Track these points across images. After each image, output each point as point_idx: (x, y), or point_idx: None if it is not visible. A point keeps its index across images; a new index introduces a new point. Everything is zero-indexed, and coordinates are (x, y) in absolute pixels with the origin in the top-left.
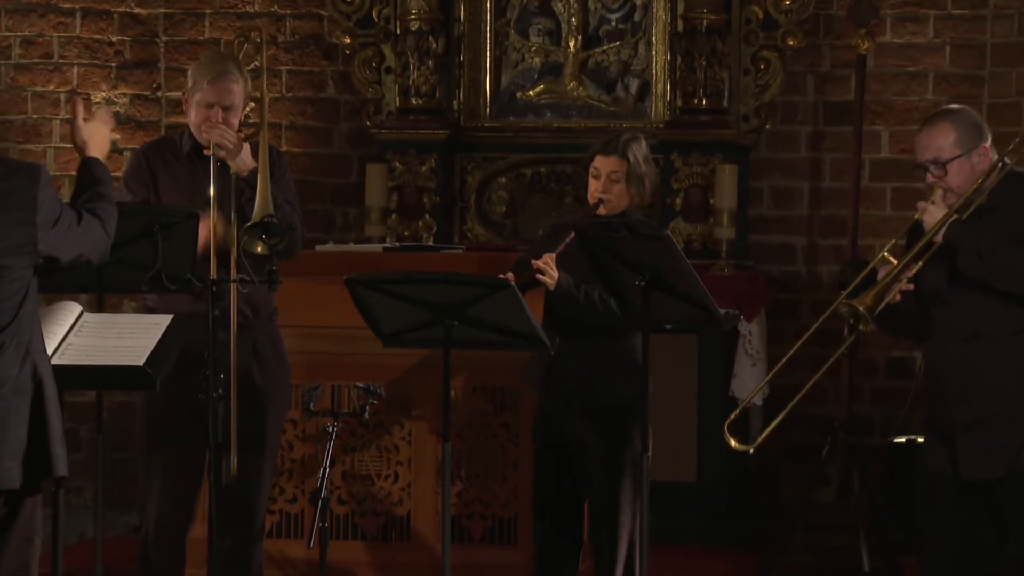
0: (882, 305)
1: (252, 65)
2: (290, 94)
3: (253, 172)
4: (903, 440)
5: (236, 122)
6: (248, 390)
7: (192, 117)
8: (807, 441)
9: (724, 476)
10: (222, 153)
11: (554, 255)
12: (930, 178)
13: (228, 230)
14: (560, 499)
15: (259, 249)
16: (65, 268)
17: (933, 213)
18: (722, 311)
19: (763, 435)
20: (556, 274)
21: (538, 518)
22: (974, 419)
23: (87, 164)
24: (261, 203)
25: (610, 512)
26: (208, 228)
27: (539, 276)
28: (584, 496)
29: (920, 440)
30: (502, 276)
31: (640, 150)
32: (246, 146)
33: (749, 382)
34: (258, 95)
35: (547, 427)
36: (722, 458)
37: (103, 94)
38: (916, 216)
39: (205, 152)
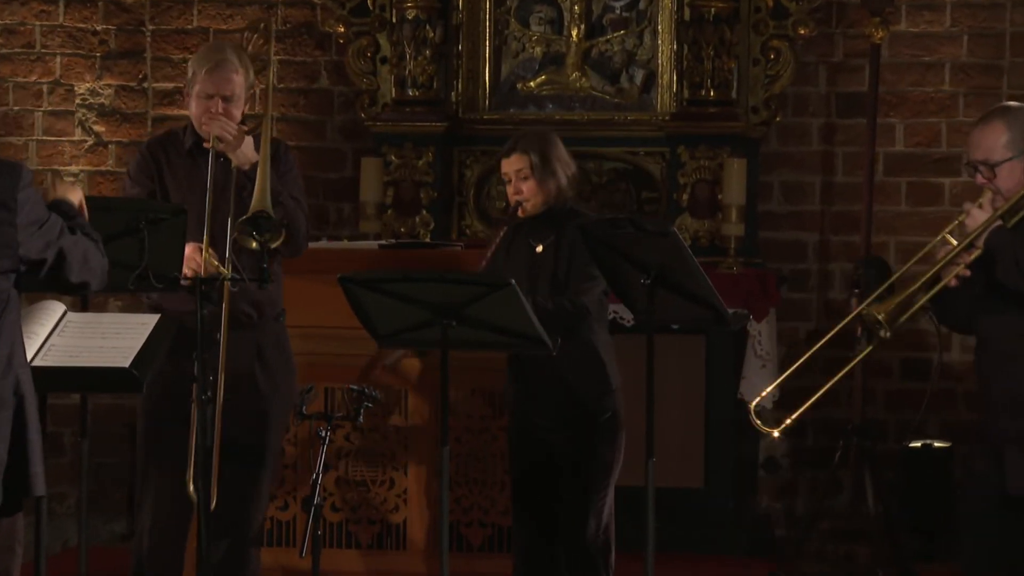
0: (933, 291)
1: (259, 53)
2: (282, 85)
3: (255, 166)
4: (918, 444)
5: (238, 113)
6: (250, 393)
7: (193, 110)
8: (819, 446)
9: (733, 481)
10: (222, 146)
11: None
12: (979, 179)
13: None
14: (539, 507)
15: (252, 245)
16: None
17: (976, 217)
18: (730, 310)
19: (790, 419)
20: None
21: (518, 526)
22: (1020, 434)
23: (53, 205)
24: (259, 197)
25: (577, 520)
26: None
27: None
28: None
29: (936, 444)
30: None
31: (545, 144)
32: (248, 139)
33: (759, 384)
34: (263, 86)
35: (519, 436)
36: (730, 463)
37: (87, 85)
38: (960, 218)
39: (205, 145)
